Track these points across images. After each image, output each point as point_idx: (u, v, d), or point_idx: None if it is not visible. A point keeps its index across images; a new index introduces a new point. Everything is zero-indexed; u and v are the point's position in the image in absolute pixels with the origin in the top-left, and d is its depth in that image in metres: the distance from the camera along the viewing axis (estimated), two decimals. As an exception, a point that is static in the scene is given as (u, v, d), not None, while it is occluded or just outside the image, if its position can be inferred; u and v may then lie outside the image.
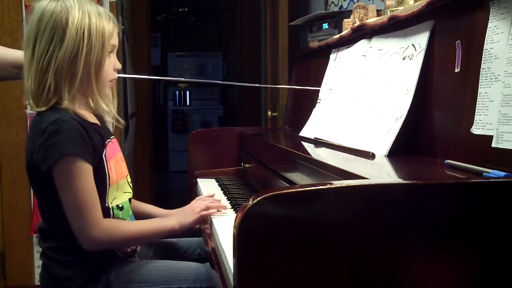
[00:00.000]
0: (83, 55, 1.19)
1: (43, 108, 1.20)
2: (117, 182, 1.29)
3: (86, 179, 1.17)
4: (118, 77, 1.35)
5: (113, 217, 1.27)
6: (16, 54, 1.48)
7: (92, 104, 1.30)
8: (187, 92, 7.23)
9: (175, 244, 1.53)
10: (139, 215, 1.45)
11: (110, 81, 1.29)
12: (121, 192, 1.31)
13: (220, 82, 1.73)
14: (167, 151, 6.87)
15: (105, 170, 1.24)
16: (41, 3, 1.21)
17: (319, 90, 1.70)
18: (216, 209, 1.38)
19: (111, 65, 1.27)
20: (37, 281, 2.71)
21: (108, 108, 1.29)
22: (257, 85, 1.87)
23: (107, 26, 1.23)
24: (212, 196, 1.54)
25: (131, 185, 1.38)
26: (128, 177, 1.37)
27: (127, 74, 3.21)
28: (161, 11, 7.32)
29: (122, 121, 1.36)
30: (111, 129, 1.43)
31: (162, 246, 1.51)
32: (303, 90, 2.03)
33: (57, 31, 1.18)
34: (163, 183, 5.84)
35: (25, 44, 1.22)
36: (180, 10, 7.50)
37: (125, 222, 1.30)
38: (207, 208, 1.36)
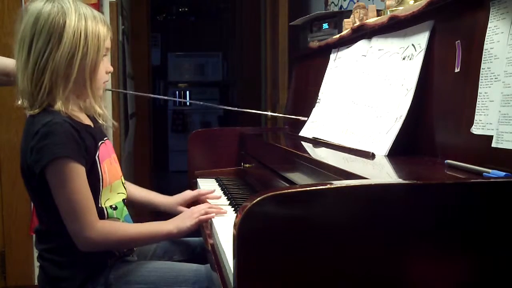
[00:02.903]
0: (79, 57, 1.20)
1: (37, 110, 1.20)
2: (111, 183, 1.29)
3: (80, 181, 1.17)
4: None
5: (108, 217, 1.27)
6: (5, 61, 1.48)
7: (82, 105, 1.30)
8: (187, 92, 7.23)
9: (175, 243, 1.53)
10: (135, 201, 1.47)
11: (103, 82, 1.30)
12: (115, 193, 1.31)
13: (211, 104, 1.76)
14: (167, 151, 6.87)
15: (99, 172, 1.25)
16: (36, 4, 1.21)
17: (319, 90, 1.70)
18: (215, 213, 1.37)
19: (104, 68, 1.29)
20: (37, 281, 2.71)
21: (102, 111, 1.30)
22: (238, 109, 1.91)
23: (102, 29, 1.24)
24: (212, 191, 1.56)
25: (125, 186, 1.38)
26: (122, 178, 1.37)
27: (127, 74, 3.22)
28: (161, 11, 7.32)
29: (115, 122, 1.36)
30: (110, 130, 1.43)
31: (162, 244, 1.51)
32: (303, 90, 2.03)
33: (54, 33, 1.18)
34: (163, 183, 5.83)
35: (18, 45, 1.22)
36: (180, 10, 7.51)
37: (121, 224, 1.29)
38: (206, 213, 1.35)
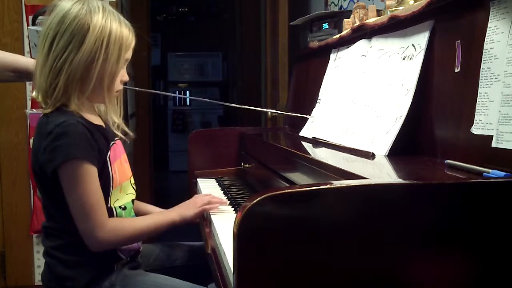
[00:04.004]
0: (99, 63, 1.19)
1: (49, 110, 1.20)
2: (121, 184, 1.29)
3: (92, 181, 1.18)
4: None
5: (116, 217, 1.28)
6: (13, 58, 1.49)
7: (95, 108, 1.30)
8: (187, 92, 7.23)
9: (178, 247, 1.53)
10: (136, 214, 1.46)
11: (116, 91, 1.29)
12: (124, 194, 1.31)
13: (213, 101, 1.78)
14: (167, 151, 6.87)
15: (109, 172, 1.25)
16: (65, 3, 1.20)
17: (319, 90, 1.70)
18: (218, 204, 1.39)
19: (120, 76, 1.27)
20: (37, 281, 2.71)
21: (118, 120, 1.30)
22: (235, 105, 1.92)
23: (126, 37, 1.23)
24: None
25: (134, 186, 1.38)
26: (132, 179, 1.37)
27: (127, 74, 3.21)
28: (161, 11, 7.32)
29: (130, 133, 1.35)
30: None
31: (165, 248, 1.51)
32: (303, 90, 2.03)
33: (77, 35, 1.17)
34: (163, 183, 5.84)
35: (40, 41, 1.21)
36: (180, 10, 7.51)
37: (128, 219, 1.30)
38: (209, 203, 1.38)
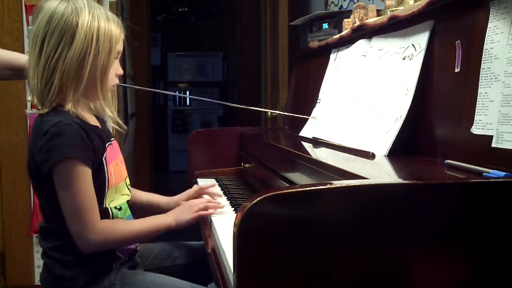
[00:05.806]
0: (91, 58, 1.19)
1: (46, 110, 1.20)
2: (116, 185, 1.29)
3: (85, 183, 1.17)
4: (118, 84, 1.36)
5: (112, 217, 1.27)
6: (11, 56, 1.48)
7: (92, 106, 1.31)
8: (187, 92, 7.24)
9: (178, 247, 1.53)
10: (139, 205, 1.46)
11: (112, 86, 1.29)
12: (119, 195, 1.31)
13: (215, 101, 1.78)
14: (167, 151, 6.87)
15: (105, 173, 1.24)
16: (51, 3, 1.21)
17: (319, 90, 1.70)
18: (215, 209, 1.38)
19: (114, 70, 1.28)
20: (37, 281, 2.71)
21: (112, 113, 1.30)
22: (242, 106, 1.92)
23: (115, 31, 1.24)
24: (213, 185, 1.59)
25: (129, 187, 1.38)
26: (127, 180, 1.37)
27: (127, 74, 3.22)
28: (161, 11, 7.33)
29: (124, 125, 1.36)
30: (111, 130, 1.43)
31: (165, 248, 1.51)
32: (303, 90, 2.03)
33: (67, 33, 1.18)
34: (163, 183, 5.83)
35: (31, 43, 1.22)
36: (180, 10, 7.51)
37: (121, 222, 1.29)
38: (206, 208, 1.36)
